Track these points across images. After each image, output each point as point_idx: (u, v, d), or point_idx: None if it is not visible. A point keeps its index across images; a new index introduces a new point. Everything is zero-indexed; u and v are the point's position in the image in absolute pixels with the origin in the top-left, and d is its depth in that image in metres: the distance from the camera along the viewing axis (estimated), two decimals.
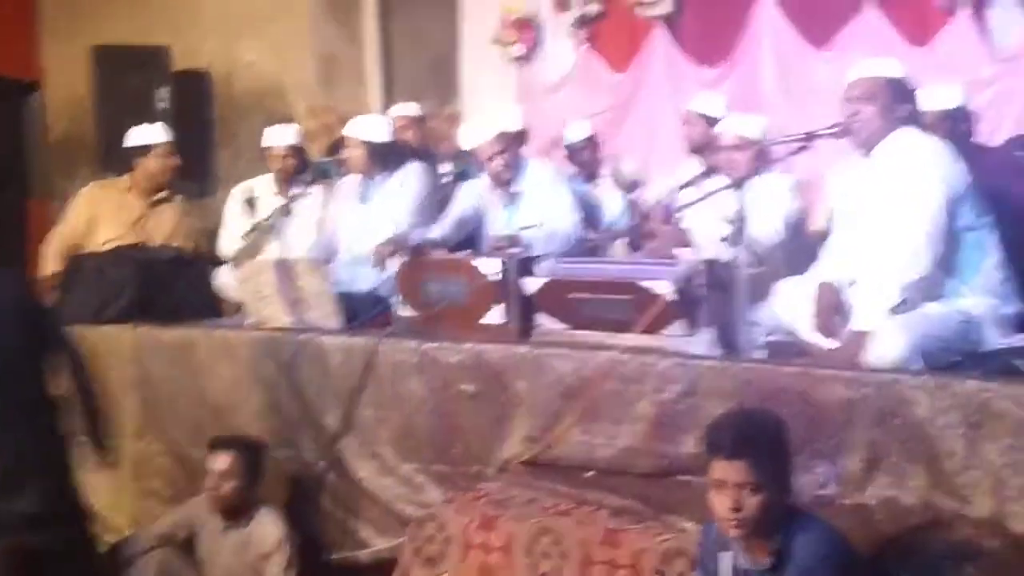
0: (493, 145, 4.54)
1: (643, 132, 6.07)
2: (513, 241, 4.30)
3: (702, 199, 3.95)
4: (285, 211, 4.89)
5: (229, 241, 5.04)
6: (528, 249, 4.20)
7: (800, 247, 3.92)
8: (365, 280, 4.41)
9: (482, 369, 3.67)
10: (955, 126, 3.96)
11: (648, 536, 2.97)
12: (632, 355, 3.39)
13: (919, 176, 3.21)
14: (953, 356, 3.12)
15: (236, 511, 3.78)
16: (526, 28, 6.48)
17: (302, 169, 5.16)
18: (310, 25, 7.06)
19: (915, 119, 3.38)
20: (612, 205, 5.16)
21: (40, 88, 7.74)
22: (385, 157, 4.74)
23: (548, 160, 5.05)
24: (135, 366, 4.42)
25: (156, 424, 4.40)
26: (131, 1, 7.17)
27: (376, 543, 3.86)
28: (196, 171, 6.58)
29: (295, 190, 5.01)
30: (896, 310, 3.13)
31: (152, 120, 5.43)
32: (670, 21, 6.05)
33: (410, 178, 4.74)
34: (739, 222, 3.58)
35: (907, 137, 3.31)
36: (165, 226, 4.99)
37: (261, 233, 4.89)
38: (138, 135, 5.04)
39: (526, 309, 3.76)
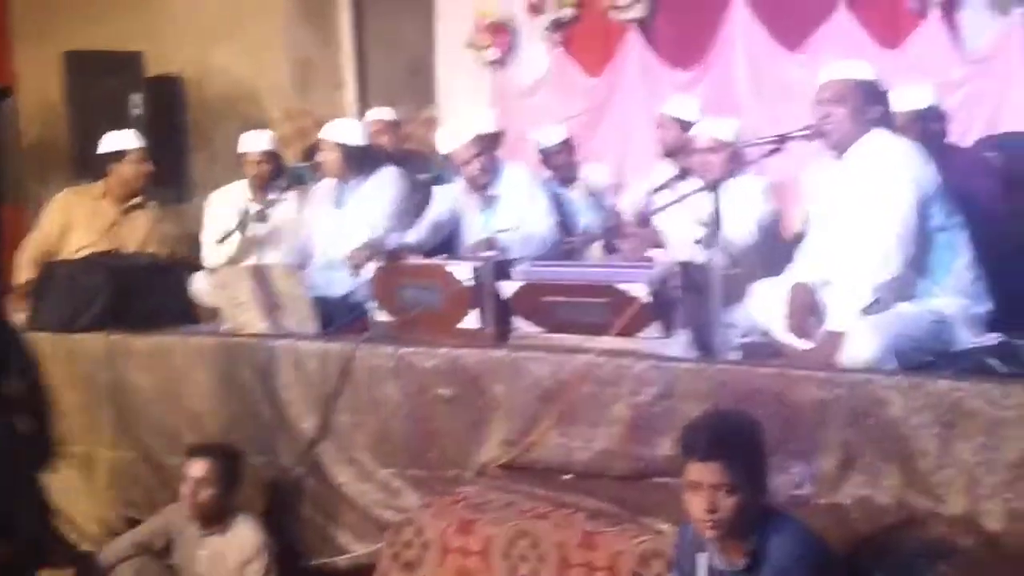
0: (469, 149, 4.55)
1: (618, 135, 6.09)
2: (489, 245, 4.31)
3: (676, 202, 3.97)
4: (260, 217, 4.87)
5: (209, 250, 5.01)
6: (504, 253, 4.20)
7: (774, 249, 3.94)
8: (341, 285, 4.40)
9: (458, 373, 3.68)
10: (926, 127, 3.99)
11: (625, 538, 2.98)
12: (608, 358, 3.40)
13: (890, 178, 3.24)
14: (926, 356, 3.15)
15: (213, 518, 3.76)
16: (500, 32, 6.49)
17: (277, 175, 5.14)
18: (284, 29, 7.05)
19: (886, 121, 3.41)
20: (587, 208, 5.17)
21: (13, 93, 7.68)
22: (360, 161, 4.73)
23: (523, 164, 5.04)
24: (109, 374, 4.39)
25: (131, 432, 4.38)
26: (104, 7, 7.12)
27: (354, 548, 3.86)
28: (170, 177, 6.55)
29: (270, 196, 4.99)
30: (869, 310, 3.15)
31: (126, 126, 5.41)
32: (644, 25, 6.07)
33: (385, 182, 4.74)
34: (713, 224, 3.60)
35: (878, 139, 3.34)
36: (139, 232, 4.96)
37: (238, 240, 4.85)
38: (111, 141, 5.01)
39: (502, 313, 3.76)
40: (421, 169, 5.35)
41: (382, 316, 4.04)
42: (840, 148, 3.37)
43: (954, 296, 3.27)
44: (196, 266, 4.91)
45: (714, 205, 3.63)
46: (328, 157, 4.74)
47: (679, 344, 3.41)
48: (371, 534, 3.77)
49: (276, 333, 4.18)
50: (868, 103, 3.34)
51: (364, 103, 6.96)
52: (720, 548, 2.55)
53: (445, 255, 4.52)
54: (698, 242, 3.57)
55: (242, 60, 7.05)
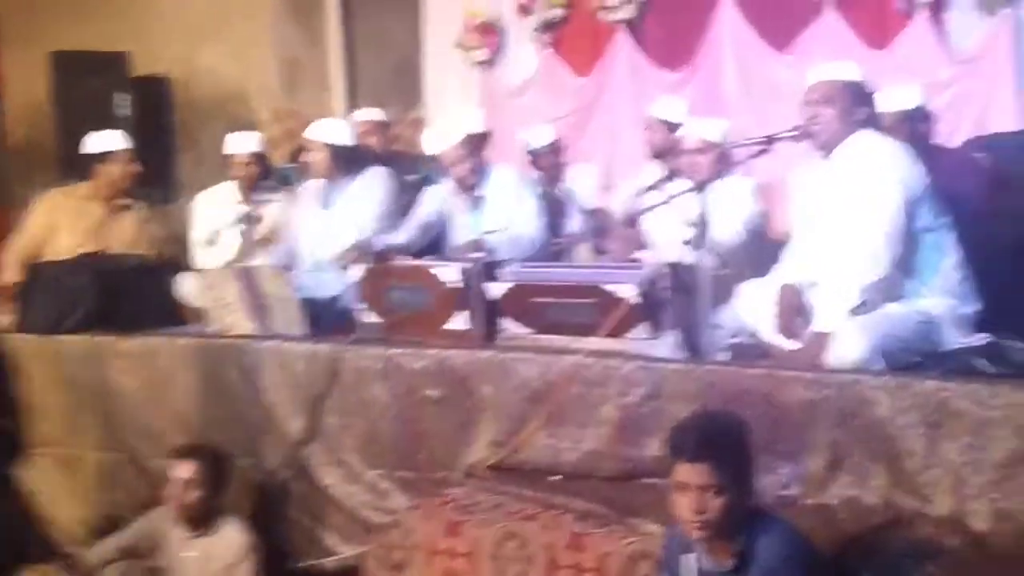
0: (458, 150, 4.54)
1: (606, 136, 6.09)
2: (477, 246, 4.30)
3: (664, 203, 3.97)
4: (248, 218, 4.85)
5: (199, 251, 4.99)
6: (492, 254, 4.19)
7: (762, 249, 3.94)
8: (328, 286, 4.39)
9: (447, 374, 3.67)
10: (914, 128, 4.00)
11: (613, 539, 2.98)
12: (596, 359, 3.40)
13: (878, 178, 3.24)
14: (913, 356, 3.15)
15: (200, 520, 3.74)
16: (489, 32, 6.49)
17: (265, 176, 5.13)
18: (272, 29, 7.03)
19: (874, 122, 3.42)
20: (575, 210, 5.17)
21: None
22: (348, 161, 4.71)
23: (512, 165, 5.04)
24: (95, 375, 4.36)
25: (117, 434, 4.35)
26: (90, 7, 7.10)
27: (342, 550, 3.84)
28: (157, 178, 6.53)
29: (257, 197, 4.97)
30: (856, 311, 3.16)
31: (112, 126, 5.37)
32: (633, 25, 6.07)
33: (373, 183, 4.73)
34: (701, 225, 3.60)
35: (866, 140, 3.34)
36: (125, 233, 4.93)
37: (225, 241, 4.83)
38: (97, 142, 4.98)
39: (490, 314, 3.75)
40: (409, 170, 5.34)
41: (370, 317, 4.03)
42: (828, 149, 3.37)
43: (941, 296, 3.28)
44: (183, 267, 4.89)
45: (702, 206, 3.63)
46: (315, 157, 4.73)
47: (667, 345, 3.41)
48: (358, 536, 3.76)
49: (263, 334, 4.16)
50: (856, 104, 3.34)
51: (352, 103, 6.94)
52: (708, 549, 2.55)
53: (433, 256, 4.51)
54: (686, 243, 3.57)
55: (229, 60, 7.03)
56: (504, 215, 4.54)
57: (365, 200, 4.67)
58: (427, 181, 5.03)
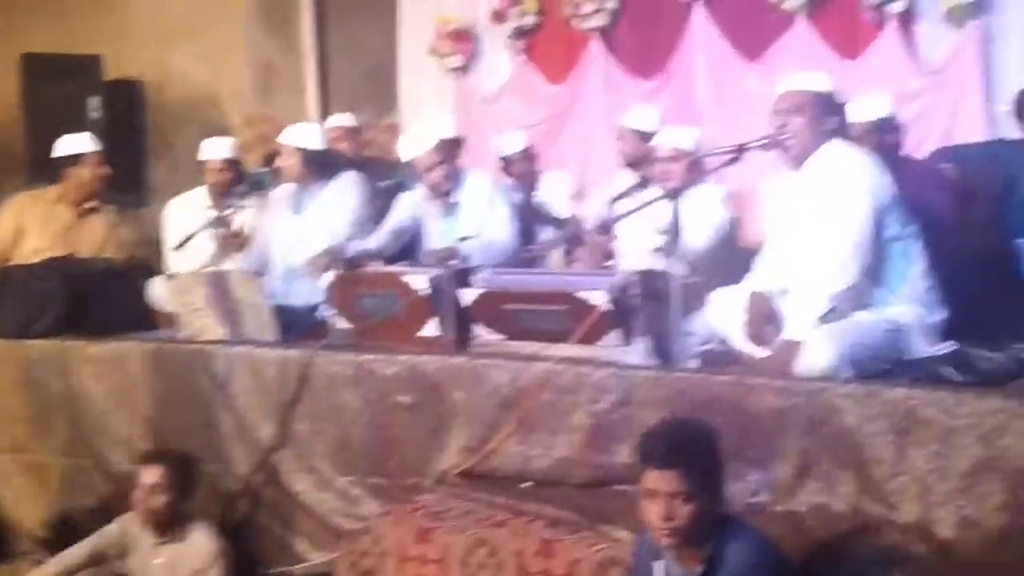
0: (432, 156, 4.54)
1: (580, 143, 6.11)
2: (450, 253, 4.30)
3: (637, 210, 3.99)
4: (219, 224, 4.83)
5: (171, 257, 4.95)
6: (465, 261, 4.19)
7: (732, 257, 3.96)
8: (300, 292, 4.38)
9: (418, 380, 3.67)
10: (882, 138, 4.04)
11: (583, 546, 2.98)
12: (568, 365, 3.41)
13: (846, 188, 3.27)
14: (881, 364, 3.18)
15: (168, 526, 3.72)
16: (463, 39, 6.49)
17: (238, 181, 5.10)
18: (245, 33, 7.01)
19: (843, 132, 3.45)
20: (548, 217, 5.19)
21: None
22: (321, 166, 4.70)
23: (485, 171, 5.04)
24: (64, 380, 4.34)
25: (86, 440, 4.32)
26: (61, 10, 7.04)
27: (312, 557, 3.83)
28: (130, 181, 6.50)
29: (229, 202, 4.95)
30: (825, 319, 3.18)
31: (83, 129, 5.34)
32: (606, 34, 6.09)
33: (346, 188, 4.71)
34: (673, 233, 3.62)
35: (835, 150, 3.37)
36: (95, 237, 4.90)
37: (197, 247, 4.81)
38: (67, 145, 4.95)
39: (462, 320, 3.75)
40: (383, 175, 5.33)
41: (341, 324, 4.02)
42: (797, 159, 3.40)
43: (909, 305, 3.31)
44: (154, 271, 4.86)
45: (674, 214, 3.65)
46: (287, 162, 4.71)
47: (638, 352, 3.42)
48: (329, 542, 3.74)
49: (234, 340, 4.15)
50: (825, 114, 3.37)
51: (326, 108, 6.94)
52: (677, 556, 2.56)
53: (406, 261, 4.51)
54: (658, 250, 3.59)
55: (202, 64, 7.00)
56: (477, 221, 4.54)
57: (337, 205, 4.66)
58: (401, 187, 5.03)
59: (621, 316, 3.42)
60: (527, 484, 3.45)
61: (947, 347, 3.26)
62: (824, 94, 3.41)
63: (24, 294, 4.47)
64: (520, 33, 6.34)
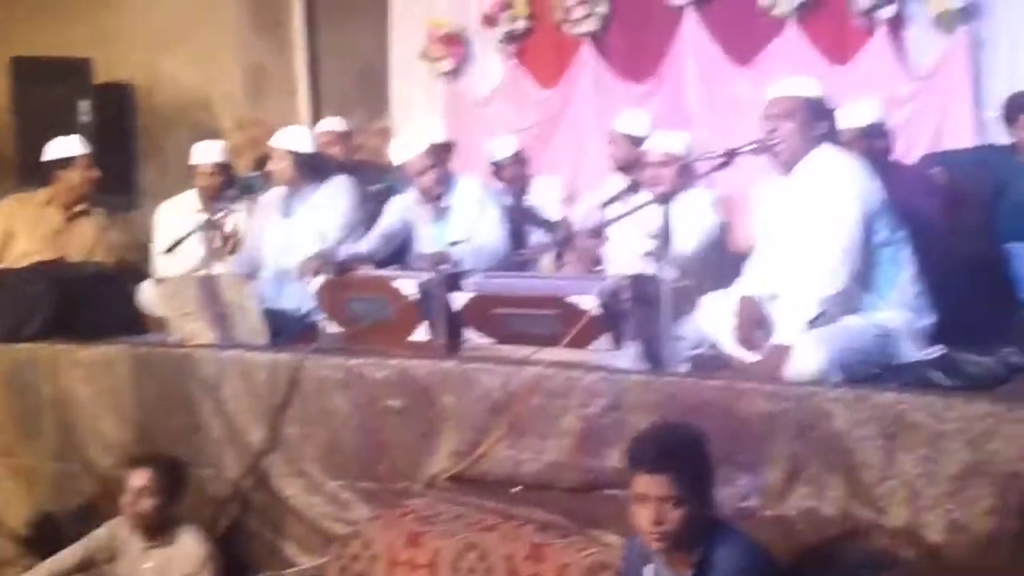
0: (423, 160, 4.54)
1: (571, 148, 6.10)
2: (441, 258, 4.30)
3: (627, 214, 3.99)
4: (210, 227, 4.82)
5: (160, 260, 4.94)
6: (457, 265, 4.19)
7: (722, 261, 3.97)
8: (290, 296, 4.37)
9: (408, 384, 3.67)
10: (871, 144, 4.05)
11: (573, 551, 2.98)
12: (558, 369, 3.41)
13: (836, 193, 3.29)
14: (871, 369, 3.20)
15: (157, 529, 3.71)
16: (454, 43, 6.49)
17: (228, 185, 5.10)
18: (236, 36, 6.99)
19: (833, 137, 3.46)
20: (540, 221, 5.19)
21: None
22: (312, 169, 4.70)
23: (476, 175, 5.05)
24: (52, 385, 4.33)
25: (75, 444, 4.31)
26: (51, 13, 7.01)
27: (301, 561, 3.83)
28: (120, 185, 6.48)
29: (220, 206, 4.94)
30: (815, 323, 3.19)
31: (73, 132, 5.32)
32: (597, 38, 6.09)
33: (337, 192, 4.71)
34: (663, 237, 3.62)
35: (825, 155, 3.38)
36: (85, 240, 4.89)
37: (187, 250, 4.80)
38: (56, 148, 4.94)
39: (453, 324, 3.76)
40: (374, 179, 5.33)
41: (332, 328, 4.02)
42: (787, 163, 3.41)
43: (898, 310, 3.32)
44: (143, 275, 4.85)
45: (664, 218, 3.66)
46: (279, 165, 4.71)
47: (629, 356, 3.43)
48: (318, 547, 3.74)
49: (224, 344, 4.14)
50: (815, 119, 3.38)
51: (317, 112, 6.92)
52: (666, 560, 2.56)
53: (397, 265, 4.51)
54: (648, 255, 3.59)
55: (193, 67, 6.98)
56: (468, 226, 4.54)
57: (328, 209, 4.66)
58: (391, 191, 5.03)
59: (611, 320, 3.43)
60: (517, 488, 3.45)
61: (936, 351, 3.28)
62: (814, 99, 3.42)
63: (13, 298, 4.46)
64: (511, 37, 6.34)
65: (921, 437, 2.84)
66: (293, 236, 4.60)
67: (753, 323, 3.38)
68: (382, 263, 4.50)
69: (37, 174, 5.13)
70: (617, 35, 6.08)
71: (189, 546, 3.70)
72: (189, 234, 4.78)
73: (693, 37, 5.78)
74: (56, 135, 5.07)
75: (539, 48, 6.33)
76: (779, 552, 2.79)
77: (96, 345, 4.32)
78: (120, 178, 6.64)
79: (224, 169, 5.10)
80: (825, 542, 2.92)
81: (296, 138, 4.75)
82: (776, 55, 5.50)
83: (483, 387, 3.52)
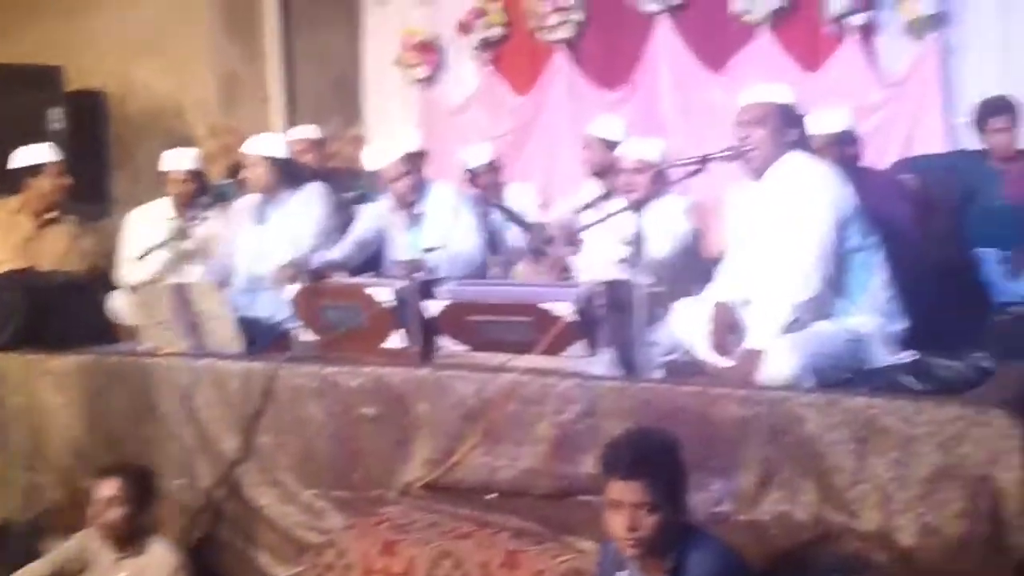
0: (398, 166, 4.54)
1: (545, 154, 6.13)
2: (416, 265, 4.29)
3: (601, 221, 4.00)
4: (182, 235, 4.80)
5: (128, 267, 4.92)
6: (432, 272, 4.19)
7: (694, 267, 3.99)
8: (264, 304, 4.35)
9: (383, 392, 3.65)
10: (843, 150, 4.08)
11: (547, 557, 2.98)
12: (533, 376, 3.41)
13: (808, 199, 3.30)
14: (843, 373, 3.21)
15: (126, 540, 3.67)
16: (429, 50, 6.50)
17: (201, 193, 5.07)
18: (209, 43, 6.96)
19: (804, 143, 3.48)
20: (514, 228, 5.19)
21: None
22: (287, 175, 4.69)
23: (450, 182, 5.05)
24: (24, 395, 4.29)
25: (46, 454, 4.27)
26: (22, 20, 6.97)
27: (275, 571, 3.79)
28: (92, 193, 6.42)
29: (192, 213, 4.91)
30: (787, 329, 3.20)
31: (45, 140, 5.28)
32: (572, 45, 6.12)
33: (310, 199, 4.70)
34: (637, 244, 3.63)
35: (796, 161, 3.40)
36: (57, 248, 4.86)
37: (159, 258, 4.78)
38: (27, 155, 4.91)
39: (427, 332, 3.75)
40: (348, 187, 5.32)
41: (306, 336, 4.01)
42: (759, 170, 3.42)
43: (870, 315, 3.34)
44: (116, 284, 4.81)
45: (638, 225, 3.67)
46: (254, 172, 4.69)
47: (603, 363, 3.42)
48: (292, 556, 3.71)
49: (197, 352, 4.11)
50: (786, 126, 3.40)
51: (291, 119, 6.90)
52: (641, 566, 2.56)
53: (371, 273, 4.50)
54: (622, 261, 3.60)
55: (166, 75, 6.94)
56: (442, 232, 4.54)
57: (302, 216, 4.64)
58: (365, 198, 5.02)
59: (586, 327, 3.43)
60: (492, 495, 3.44)
61: (907, 356, 3.29)
62: (785, 106, 3.44)
63: None
64: (486, 44, 6.36)
65: (892, 441, 2.86)
66: (267, 243, 4.58)
67: (726, 328, 3.39)
68: (356, 270, 4.49)
69: (7, 182, 5.08)
70: (591, 42, 6.11)
71: (160, 557, 3.67)
72: (162, 243, 4.76)
73: (666, 44, 5.82)
74: (27, 143, 5.03)
75: (514, 55, 6.35)
76: (752, 557, 2.80)
77: (67, 354, 4.28)
78: (92, 186, 6.59)
79: (196, 176, 5.07)
80: (798, 546, 2.93)
81: (270, 144, 4.74)
82: (749, 61, 5.54)
83: (458, 394, 3.52)
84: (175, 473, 3.97)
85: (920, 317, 3.43)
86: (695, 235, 4.21)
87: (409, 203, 4.57)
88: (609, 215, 4.02)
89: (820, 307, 3.29)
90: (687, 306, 3.58)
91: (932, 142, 5.09)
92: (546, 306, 3.45)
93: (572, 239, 4.38)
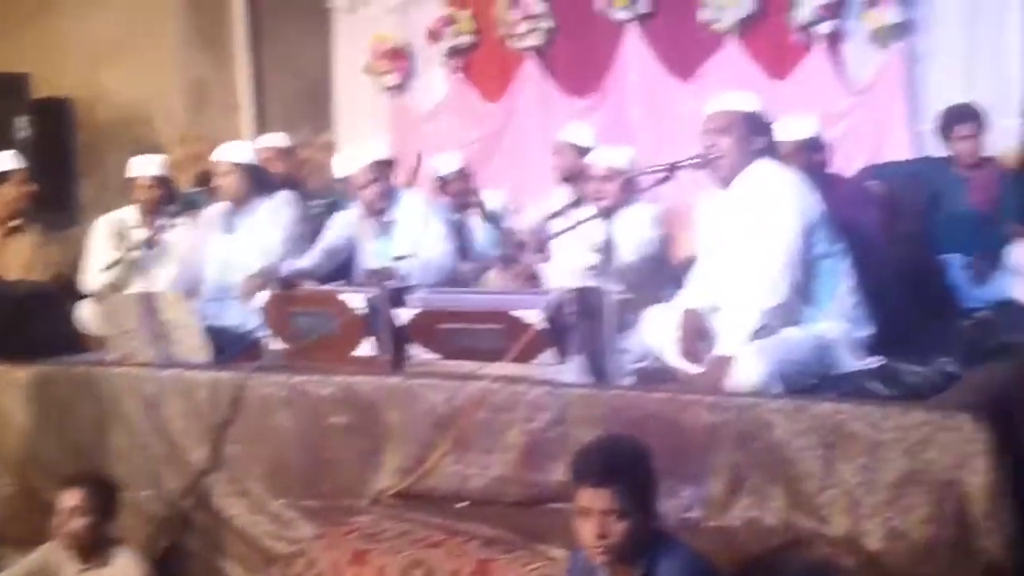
0: (367, 173, 4.53)
1: (515, 161, 6.14)
2: (387, 273, 4.28)
3: (571, 228, 4.01)
4: (149, 243, 4.76)
5: (93, 275, 4.88)
6: (403, 280, 4.18)
7: (665, 274, 4.00)
8: (233, 313, 4.33)
9: (353, 401, 3.64)
10: (810, 157, 4.11)
11: (518, 565, 2.98)
12: (503, 384, 3.40)
13: (775, 207, 3.33)
14: (810, 379, 3.23)
15: (91, 550, 3.62)
16: (399, 57, 6.50)
17: (168, 200, 5.03)
18: (177, 51, 6.94)
19: (771, 151, 3.51)
20: (484, 235, 5.19)
21: None
22: (258, 183, 4.66)
23: (420, 190, 5.05)
24: None
25: (11, 465, 4.23)
26: None
27: None
28: (59, 201, 6.38)
29: (160, 221, 4.87)
30: (756, 335, 3.22)
31: (11, 148, 5.23)
32: (541, 52, 6.14)
33: (279, 207, 4.68)
34: (607, 251, 3.64)
35: (764, 169, 3.42)
36: (21, 256, 4.82)
37: (125, 266, 4.74)
38: None
39: (398, 340, 3.74)
40: (318, 194, 5.30)
41: (275, 344, 3.98)
42: (726, 178, 3.44)
43: (837, 321, 3.37)
44: (83, 293, 4.77)
45: (607, 232, 3.67)
46: (225, 180, 4.66)
47: (573, 370, 3.43)
48: (262, 566, 3.69)
49: (165, 362, 4.08)
50: (753, 133, 3.42)
51: (261, 127, 6.88)
52: (611, 573, 2.56)
53: (341, 281, 4.48)
54: (592, 268, 3.60)
55: (134, 83, 6.91)
56: (413, 240, 4.53)
57: (271, 225, 4.62)
58: (335, 206, 5.00)
59: (556, 334, 3.43)
60: (463, 504, 3.44)
61: (874, 362, 3.32)
62: (751, 114, 3.46)
63: None
64: (456, 52, 6.36)
65: (860, 446, 2.87)
66: (236, 252, 4.56)
67: (696, 335, 3.40)
68: (325, 279, 4.47)
69: None
70: (561, 50, 6.13)
71: (125, 567, 3.62)
72: (130, 251, 4.72)
73: (635, 52, 5.85)
74: None
75: (483, 62, 6.36)
76: (722, 563, 2.80)
77: (32, 364, 4.24)
78: (60, 194, 6.55)
79: (163, 182, 5.02)
80: (768, 552, 2.94)
81: (240, 150, 4.72)
82: (717, 70, 5.57)
83: (428, 402, 3.50)
84: (143, 483, 3.93)
85: (886, 323, 3.46)
86: (664, 242, 4.22)
87: (378, 210, 4.56)
88: (579, 222, 4.03)
89: (788, 313, 3.31)
90: (657, 313, 3.59)
91: (898, 149, 5.14)
92: (516, 314, 3.45)
93: (542, 246, 4.39)
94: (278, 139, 5.60)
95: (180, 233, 4.90)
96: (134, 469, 3.95)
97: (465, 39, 6.32)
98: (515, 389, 3.38)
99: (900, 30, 5.23)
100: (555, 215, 4.46)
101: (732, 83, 4.77)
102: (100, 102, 7.00)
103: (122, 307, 4.23)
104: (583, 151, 4.66)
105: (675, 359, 3.48)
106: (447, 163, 5.39)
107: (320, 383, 3.70)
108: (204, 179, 5.48)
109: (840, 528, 2.88)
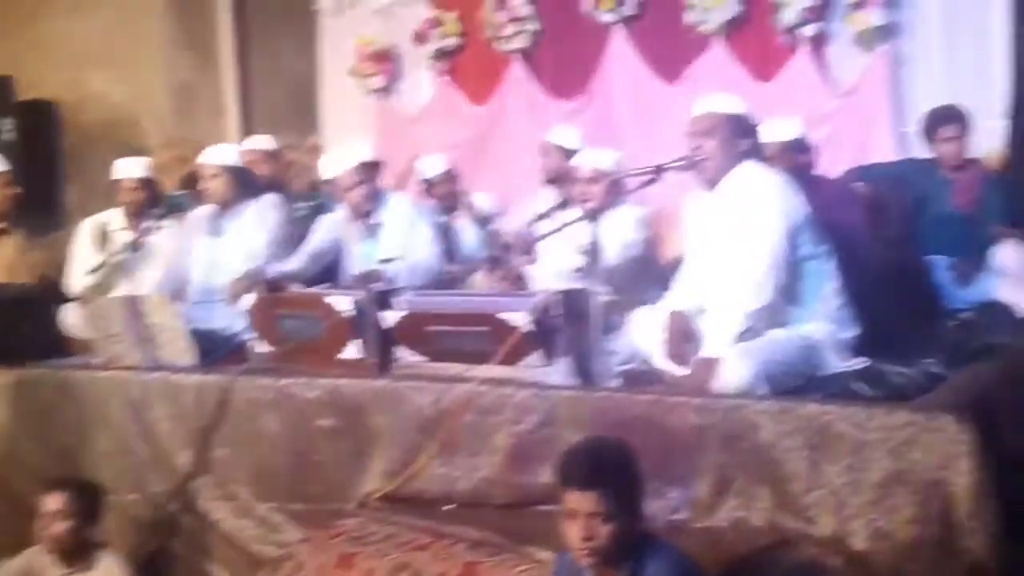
0: (352, 176, 4.53)
1: (501, 164, 6.13)
2: (373, 276, 4.27)
3: (557, 231, 4.01)
4: (134, 246, 4.74)
5: (78, 277, 4.86)
6: (389, 283, 4.18)
7: (651, 276, 4.01)
8: (219, 316, 4.32)
9: (339, 404, 3.63)
10: (794, 159, 4.12)
11: (505, 568, 2.97)
12: (490, 386, 3.40)
13: (761, 209, 3.34)
14: (796, 380, 3.25)
15: (74, 554, 3.61)
16: (384, 60, 6.49)
17: (153, 203, 5.01)
18: (164, 54, 6.92)
19: (756, 153, 3.52)
20: (470, 237, 5.19)
21: None
22: (244, 185, 4.66)
23: (407, 193, 5.04)
24: None
25: None
26: None
27: None
28: (44, 204, 6.35)
29: (145, 224, 4.86)
30: (741, 337, 3.23)
31: None
32: (528, 55, 6.14)
33: (265, 210, 4.67)
34: (593, 253, 3.64)
35: (749, 171, 3.43)
36: (5, 260, 4.80)
37: (110, 269, 4.72)
38: None
39: (385, 343, 3.73)
40: (304, 197, 5.29)
41: (262, 347, 3.98)
42: (712, 180, 3.45)
43: (822, 322, 3.38)
44: (67, 297, 4.75)
45: (593, 234, 3.68)
46: (212, 183, 4.65)
47: (560, 372, 3.43)
48: (248, 570, 3.67)
49: (151, 366, 4.07)
50: (738, 135, 3.44)
51: (247, 130, 6.87)
52: (597, 575, 2.56)
53: (328, 284, 4.48)
54: (578, 271, 3.61)
55: (120, 85, 6.89)
56: (400, 243, 4.53)
57: (257, 227, 4.61)
58: (321, 209, 5.00)
59: (543, 336, 3.43)
60: (450, 506, 3.43)
61: (859, 363, 3.33)
62: (736, 116, 3.47)
63: None
64: (442, 54, 6.36)
65: (845, 447, 2.88)
66: (222, 255, 4.55)
67: (682, 337, 3.41)
68: (311, 282, 4.46)
69: None
70: (547, 52, 6.13)
71: (108, 571, 3.61)
72: (115, 254, 4.70)
73: (622, 54, 5.85)
74: None
75: (470, 65, 6.35)
76: (709, 564, 2.81)
77: (16, 368, 4.22)
78: (45, 197, 6.53)
79: (148, 185, 5.01)
80: (754, 552, 2.94)
81: (226, 153, 4.71)
82: (703, 72, 5.58)
83: (415, 405, 3.50)
84: (129, 487, 3.92)
85: (871, 324, 3.48)
86: (650, 244, 4.23)
87: (364, 213, 4.56)
88: (565, 225, 4.03)
89: (773, 315, 3.33)
90: (644, 315, 3.59)
91: (883, 151, 5.15)
92: (503, 316, 3.45)
93: (528, 249, 4.39)
94: (264, 142, 5.59)
95: (165, 236, 4.89)
96: (120, 473, 3.94)
97: (451, 41, 6.32)
98: (502, 391, 3.38)
99: (885, 33, 5.25)
100: (541, 217, 4.46)
101: (718, 85, 4.77)
102: (86, 104, 6.98)
103: (107, 310, 4.21)
104: (569, 153, 4.67)
105: (661, 361, 3.48)
106: (433, 166, 5.38)
107: (306, 386, 3.69)
108: (189, 182, 5.46)
109: (826, 528, 2.89)
